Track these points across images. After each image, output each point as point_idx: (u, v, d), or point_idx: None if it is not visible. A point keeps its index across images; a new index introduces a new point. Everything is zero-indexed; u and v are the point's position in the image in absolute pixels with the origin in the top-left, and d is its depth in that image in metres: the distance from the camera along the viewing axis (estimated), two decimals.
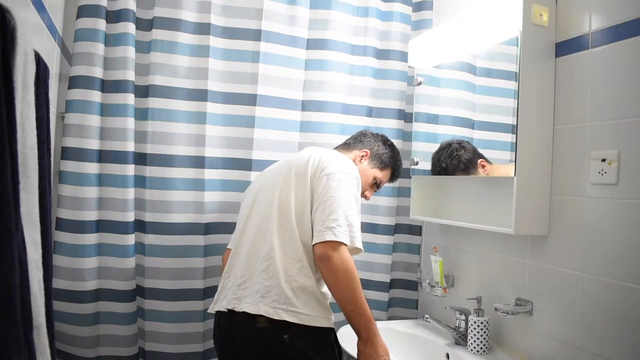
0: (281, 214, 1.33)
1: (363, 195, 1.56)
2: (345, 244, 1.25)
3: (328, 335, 1.31)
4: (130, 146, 1.63)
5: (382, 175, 1.62)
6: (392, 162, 1.64)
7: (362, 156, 1.60)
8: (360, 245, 1.30)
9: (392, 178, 1.69)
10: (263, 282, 1.27)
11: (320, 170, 1.34)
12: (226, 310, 1.31)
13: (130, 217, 1.64)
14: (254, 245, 1.35)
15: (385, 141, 1.66)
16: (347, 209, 1.29)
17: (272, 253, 1.29)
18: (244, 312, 1.26)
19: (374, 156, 1.61)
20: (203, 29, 1.72)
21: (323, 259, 1.23)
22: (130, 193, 1.64)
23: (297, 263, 1.28)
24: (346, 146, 1.64)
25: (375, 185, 1.63)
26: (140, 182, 1.68)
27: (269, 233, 1.32)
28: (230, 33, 1.76)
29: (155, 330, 1.66)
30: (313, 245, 1.27)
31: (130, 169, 1.64)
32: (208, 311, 1.45)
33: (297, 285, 1.26)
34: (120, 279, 1.63)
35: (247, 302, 1.27)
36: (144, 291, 1.67)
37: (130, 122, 1.63)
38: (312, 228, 1.30)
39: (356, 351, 1.30)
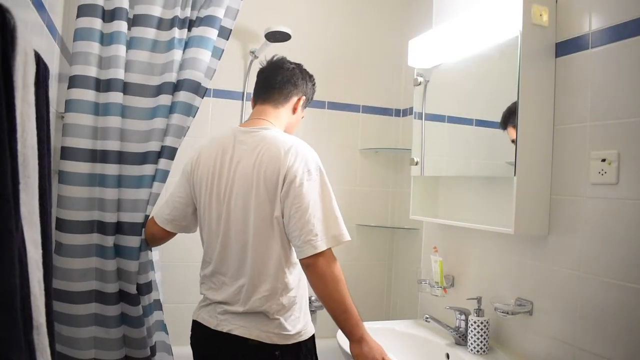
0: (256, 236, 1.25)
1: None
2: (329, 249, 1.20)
3: None
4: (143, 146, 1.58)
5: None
6: (313, 94, 1.47)
7: (298, 104, 1.40)
8: (347, 238, 1.22)
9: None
10: None
11: (289, 180, 1.21)
12: None
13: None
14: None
15: (309, 74, 1.45)
16: (321, 209, 1.20)
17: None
18: None
19: (306, 99, 1.43)
20: None
21: (308, 266, 1.19)
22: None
23: None
24: (278, 99, 1.37)
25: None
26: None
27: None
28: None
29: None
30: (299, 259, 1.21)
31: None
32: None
33: None
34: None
35: None
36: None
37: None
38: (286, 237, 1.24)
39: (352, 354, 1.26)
